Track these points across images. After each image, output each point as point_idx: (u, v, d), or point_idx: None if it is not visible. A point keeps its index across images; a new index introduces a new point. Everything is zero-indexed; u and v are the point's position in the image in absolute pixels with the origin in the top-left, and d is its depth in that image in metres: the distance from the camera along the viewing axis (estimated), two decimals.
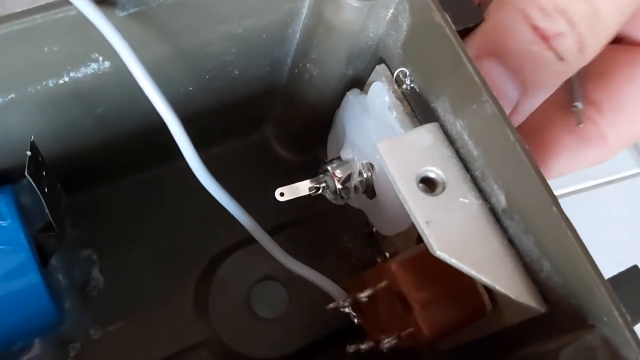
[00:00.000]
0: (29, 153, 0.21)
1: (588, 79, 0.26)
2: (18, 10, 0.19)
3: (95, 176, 0.28)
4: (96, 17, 0.19)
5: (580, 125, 0.25)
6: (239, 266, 0.30)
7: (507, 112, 0.21)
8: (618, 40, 0.27)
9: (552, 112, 0.26)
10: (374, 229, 0.29)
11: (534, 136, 0.25)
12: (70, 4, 0.19)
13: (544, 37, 0.21)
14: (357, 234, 0.31)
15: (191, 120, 0.22)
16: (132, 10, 0.20)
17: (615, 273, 0.19)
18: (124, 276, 0.28)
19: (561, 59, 0.22)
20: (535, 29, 0.21)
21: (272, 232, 0.26)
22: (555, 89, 0.23)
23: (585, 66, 0.23)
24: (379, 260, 0.25)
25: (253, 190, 0.26)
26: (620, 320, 0.17)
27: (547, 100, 0.26)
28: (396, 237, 0.26)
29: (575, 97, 0.25)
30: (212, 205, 0.24)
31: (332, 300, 0.26)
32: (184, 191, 0.29)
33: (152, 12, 0.21)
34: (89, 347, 0.27)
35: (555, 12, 0.21)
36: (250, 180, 0.29)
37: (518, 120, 0.24)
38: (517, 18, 0.22)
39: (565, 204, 0.18)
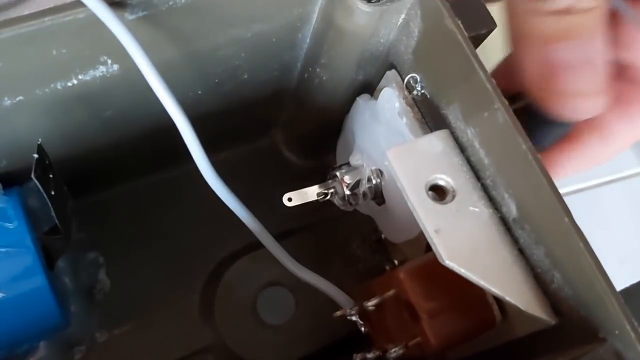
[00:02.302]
0: (36, 156, 0.21)
1: None
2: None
3: (102, 179, 0.28)
4: (109, 19, 0.19)
5: None
6: (246, 271, 0.29)
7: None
8: None
9: None
10: (383, 235, 0.28)
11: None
12: (81, 6, 0.19)
13: (561, 13, 0.22)
14: (365, 240, 0.31)
15: (199, 124, 0.22)
16: (141, 14, 0.20)
17: (617, 272, 0.19)
18: (130, 279, 0.28)
19: (587, 11, 0.23)
20: (550, 13, 0.23)
21: (279, 237, 0.26)
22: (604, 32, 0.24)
23: None
24: (387, 267, 0.24)
25: (261, 195, 0.25)
26: (632, 334, 0.17)
27: None
28: (405, 244, 0.26)
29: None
30: (219, 209, 0.24)
31: (339, 307, 0.25)
32: (190, 195, 0.29)
33: (161, 16, 0.20)
34: (94, 350, 0.27)
35: None
36: (258, 185, 0.28)
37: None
38: (532, 19, 0.23)
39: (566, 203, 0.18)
